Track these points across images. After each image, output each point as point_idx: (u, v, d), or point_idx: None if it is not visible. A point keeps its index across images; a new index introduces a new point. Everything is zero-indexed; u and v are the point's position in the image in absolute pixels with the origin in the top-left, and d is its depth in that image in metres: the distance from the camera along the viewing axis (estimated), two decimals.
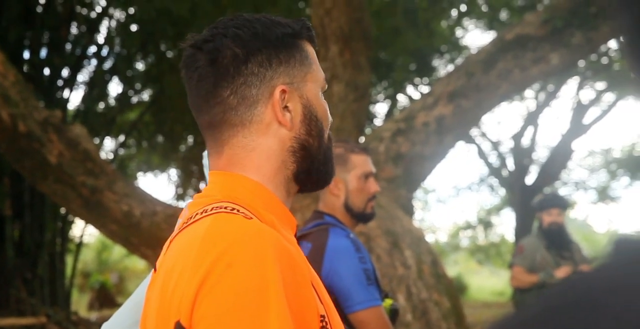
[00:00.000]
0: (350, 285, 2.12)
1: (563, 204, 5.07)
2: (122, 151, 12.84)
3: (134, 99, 11.92)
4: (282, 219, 1.06)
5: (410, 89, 13.51)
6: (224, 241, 0.87)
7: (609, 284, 0.37)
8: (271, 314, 0.80)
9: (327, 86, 1.14)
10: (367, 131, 9.05)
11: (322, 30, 5.71)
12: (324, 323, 0.92)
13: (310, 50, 1.12)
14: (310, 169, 1.09)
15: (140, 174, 16.02)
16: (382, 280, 4.18)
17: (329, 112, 1.14)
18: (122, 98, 11.52)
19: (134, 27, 10.47)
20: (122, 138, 12.08)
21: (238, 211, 0.95)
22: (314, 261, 2.15)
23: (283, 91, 1.05)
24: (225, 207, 0.96)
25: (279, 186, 1.07)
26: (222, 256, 0.85)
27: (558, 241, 5.00)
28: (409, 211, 5.32)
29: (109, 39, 10.47)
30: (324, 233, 2.24)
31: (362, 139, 5.82)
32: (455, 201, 32.49)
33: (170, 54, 10.36)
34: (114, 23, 10.70)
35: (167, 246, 1.00)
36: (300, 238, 2.25)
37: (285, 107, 1.06)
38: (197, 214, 0.98)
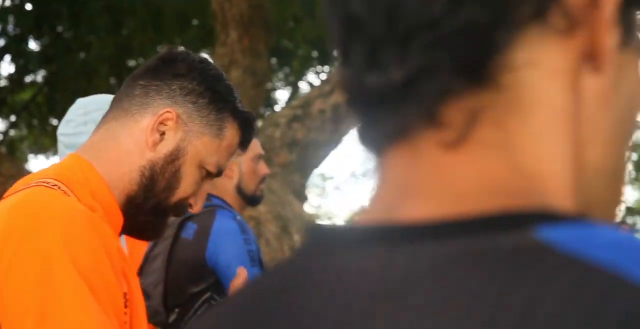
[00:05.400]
0: (234, 266, 2.15)
1: None
2: (12, 132, 12.36)
3: (27, 79, 11.50)
4: (107, 213, 0.99)
5: (311, 77, 13.59)
6: (26, 215, 0.87)
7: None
8: (65, 291, 0.81)
9: (218, 167, 1.05)
10: (267, 116, 9.09)
11: (223, 15, 5.69)
12: (125, 300, 0.94)
13: (230, 134, 1.05)
14: (142, 204, 1.01)
15: (31, 156, 15.48)
16: (271, 264, 4.24)
17: (198, 191, 1.05)
18: (14, 78, 11.09)
19: (28, 6, 10.07)
20: (13, 118, 11.64)
21: (59, 187, 0.92)
22: (198, 241, 2.16)
23: (169, 114, 1.00)
24: (47, 183, 0.92)
25: (115, 189, 1.01)
26: (18, 231, 0.85)
27: None
28: (302, 196, 5.41)
29: (1, 18, 10.03)
30: (210, 214, 2.24)
31: (259, 124, 5.86)
32: (352, 188, 32.88)
33: (67, 35, 10.03)
34: (7, 2, 10.27)
35: None
36: (186, 219, 2.26)
37: (163, 132, 1.01)
38: (20, 187, 0.96)
